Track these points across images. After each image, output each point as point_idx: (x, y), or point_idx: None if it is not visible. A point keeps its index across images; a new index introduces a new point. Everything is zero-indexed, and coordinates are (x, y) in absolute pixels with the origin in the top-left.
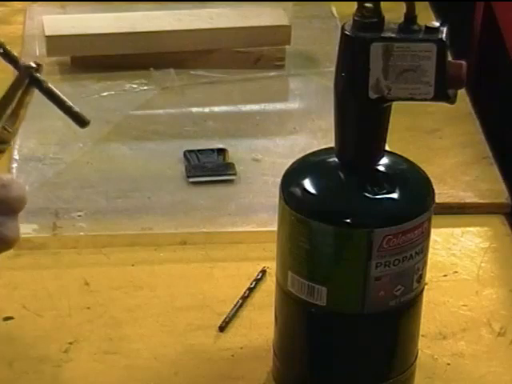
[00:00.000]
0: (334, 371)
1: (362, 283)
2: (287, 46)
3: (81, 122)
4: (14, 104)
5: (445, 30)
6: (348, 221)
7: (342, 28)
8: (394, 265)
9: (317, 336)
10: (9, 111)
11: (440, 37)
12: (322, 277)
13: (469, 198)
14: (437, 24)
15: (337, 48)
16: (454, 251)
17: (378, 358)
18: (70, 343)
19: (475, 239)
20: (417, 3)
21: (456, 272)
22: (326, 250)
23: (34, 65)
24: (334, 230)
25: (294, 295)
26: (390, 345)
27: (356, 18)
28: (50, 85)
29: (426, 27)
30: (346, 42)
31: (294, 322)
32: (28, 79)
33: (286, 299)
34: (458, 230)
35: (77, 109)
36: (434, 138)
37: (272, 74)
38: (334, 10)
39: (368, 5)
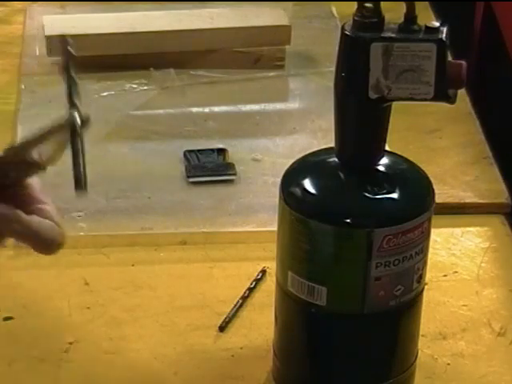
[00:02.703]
0: (334, 371)
1: (362, 283)
2: (287, 46)
3: (77, 185)
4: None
5: (445, 30)
6: (348, 221)
7: (342, 28)
8: (394, 265)
9: (317, 336)
10: (46, 143)
11: (440, 37)
12: (322, 277)
13: (469, 197)
14: (437, 24)
15: (337, 48)
16: (454, 251)
17: (378, 358)
18: (70, 343)
19: (475, 239)
20: (417, 3)
21: (456, 272)
22: (325, 250)
23: (79, 122)
24: (334, 230)
25: (294, 295)
26: (389, 345)
27: (356, 18)
28: (80, 145)
29: (426, 27)
30: (346, 42)
31: (294, 322)
32: (70, 128)
33: (286, 299)
34: (458, 230)
35: (81, 174)
36: (433, 138)
37: (272, 74)
38: (334, 9)
39: (368, 5)
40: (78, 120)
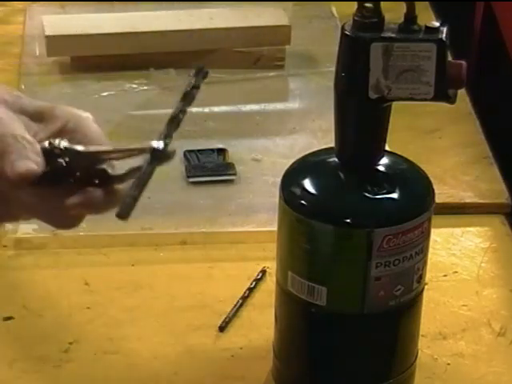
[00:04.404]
0: (333, 371)
1: (362, 283)
2: (287, 46)
3: (123, 211)
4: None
5: (445, 30)
6: (348, 221)
7: (342, 28)
8: (394, 265)
9: (317, 336)
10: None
11: (440, 37)
12: (322, 277)
13: (469, 198)
14: (437, 24)
15: (337, 48)
16: (454, 251)
17: (378, 357)
18: (70, 343)
19: (475, 239)
20: (417, 3)
21: (456, 272)
22: (325, 250)
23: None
24: (334, 230)
25: (294, 295)
26: (389, 345)
27: (356, 18)
28: (148, 177)
29: (426, 27)
30: (346, 42)
31: (294, 322)
32: (151, 155)
33: (286, 299)
34: (458, 230)
35: (132, 203)
36: (433, 138)
37: (272, 74)
38: (334, 10)
39: (368, 5)
40: (163, 150)
